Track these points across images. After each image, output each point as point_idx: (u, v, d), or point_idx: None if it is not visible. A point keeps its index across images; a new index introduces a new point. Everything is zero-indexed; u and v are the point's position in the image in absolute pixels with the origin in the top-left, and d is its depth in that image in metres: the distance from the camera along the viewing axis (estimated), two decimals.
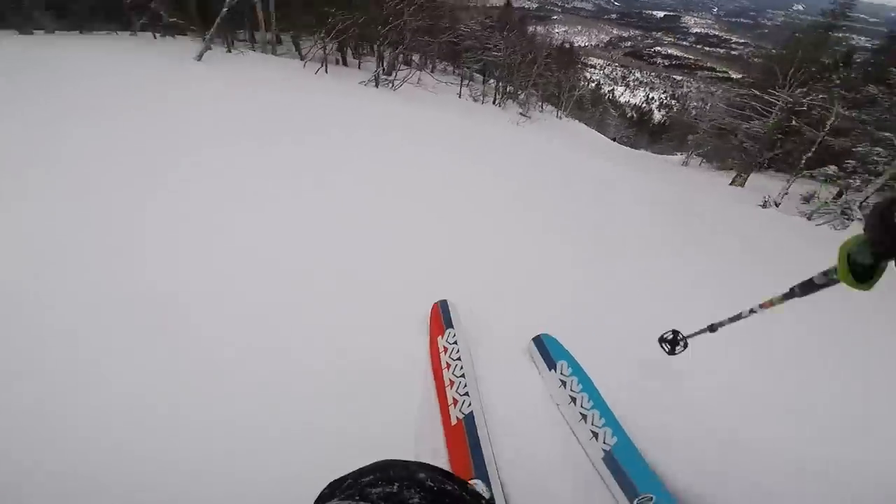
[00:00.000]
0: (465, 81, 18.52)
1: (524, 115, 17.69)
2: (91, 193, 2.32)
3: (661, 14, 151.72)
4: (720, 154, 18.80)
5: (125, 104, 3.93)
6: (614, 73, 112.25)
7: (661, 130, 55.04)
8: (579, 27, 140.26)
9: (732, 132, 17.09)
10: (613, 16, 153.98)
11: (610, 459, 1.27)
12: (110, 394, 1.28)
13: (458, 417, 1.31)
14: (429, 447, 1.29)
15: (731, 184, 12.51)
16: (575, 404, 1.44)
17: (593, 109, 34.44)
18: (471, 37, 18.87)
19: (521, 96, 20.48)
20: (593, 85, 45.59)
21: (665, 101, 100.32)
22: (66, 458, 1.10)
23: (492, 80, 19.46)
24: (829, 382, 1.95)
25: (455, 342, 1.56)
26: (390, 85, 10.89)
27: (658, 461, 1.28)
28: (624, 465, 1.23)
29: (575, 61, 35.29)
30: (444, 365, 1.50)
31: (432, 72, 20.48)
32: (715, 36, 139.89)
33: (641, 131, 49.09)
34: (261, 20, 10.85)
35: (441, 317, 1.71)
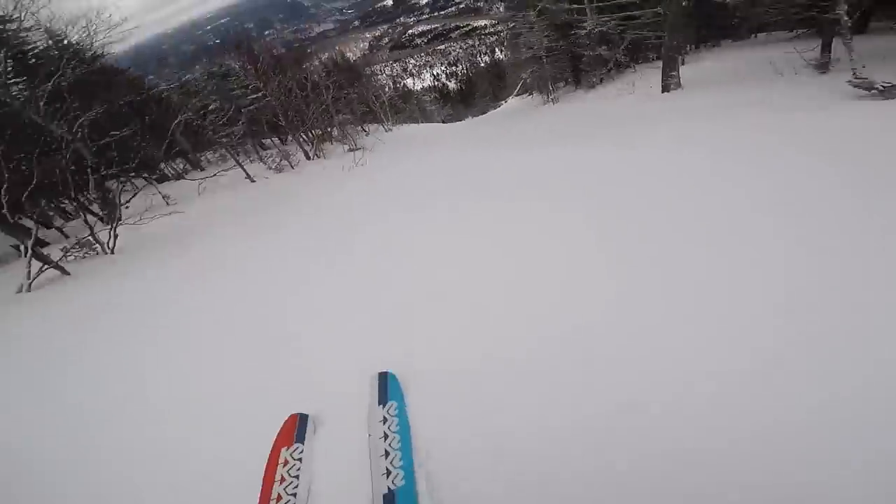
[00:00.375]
0: (251, 157, 12.76)
1: (355, 149, 12.96)
2: None
3: (389, 1, 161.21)
4: (564, 74, 17.30)
5: None
6: (394, 71, 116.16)
7: (468, 93, 57.04)
8: (337, 47, 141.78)
9: (564, 51, 15.41)
10: (357, 23, 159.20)
11: (390, 498, 1.31)
12: None
13: None
14: None
15: (663, 91, 9.91)
16: (385, 441, 1.50)
17: (408, 107, 31.88)
18: (190, 93, 12.96)
19: (335, 132, 15.61)
20: (389, 88, 43.92)
21: (448, 71, 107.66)
22: None
23: (289, 137, 14.04)
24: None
25: (300, 458, 1.54)
26: (85, 251, 4.90)
27: None
28: None
29: (360, 73, 32.27)
30: (278, 478, 1.48)
31: (200, 168, 14.14)
32: None
33: (455, 104, 49.49)
34: None
35: (295, 430, 1.67)
